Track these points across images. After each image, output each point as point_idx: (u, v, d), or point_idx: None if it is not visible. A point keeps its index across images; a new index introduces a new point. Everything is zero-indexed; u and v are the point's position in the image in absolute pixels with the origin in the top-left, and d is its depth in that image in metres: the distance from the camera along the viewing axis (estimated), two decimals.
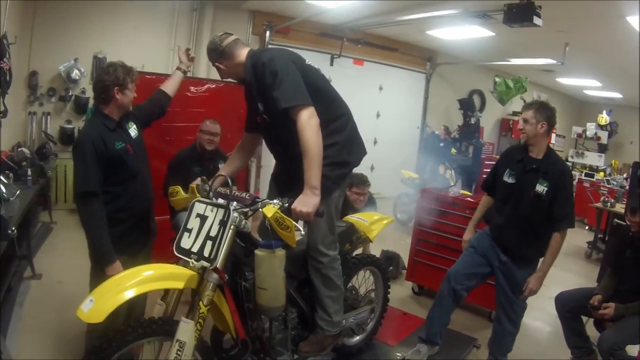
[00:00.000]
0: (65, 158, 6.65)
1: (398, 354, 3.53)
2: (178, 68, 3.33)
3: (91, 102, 6.70)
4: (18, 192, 3.93)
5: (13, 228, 3.15)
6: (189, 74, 3.52)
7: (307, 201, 2.26)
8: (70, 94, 6.75)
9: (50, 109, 6.67)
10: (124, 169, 2.72)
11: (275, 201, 2.27)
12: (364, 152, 2.77)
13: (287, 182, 2.65)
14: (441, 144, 9.48)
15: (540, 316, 3.91)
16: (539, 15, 4.98)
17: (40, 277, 4.57)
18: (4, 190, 3.64)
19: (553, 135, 11.37)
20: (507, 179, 3.30)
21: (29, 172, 4.58)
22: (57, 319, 3.77)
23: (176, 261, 2.30)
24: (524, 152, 3.28)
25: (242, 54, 2.56)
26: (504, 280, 3.37)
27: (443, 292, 3.56)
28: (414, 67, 10.23)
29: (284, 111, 2.32)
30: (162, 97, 3.20)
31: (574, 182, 9.98)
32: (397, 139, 9.91)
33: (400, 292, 5.10)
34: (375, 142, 9.22)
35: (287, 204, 2.26)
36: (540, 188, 3.11)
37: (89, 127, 2.79)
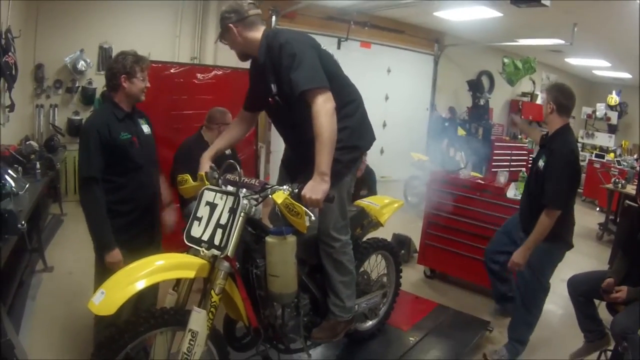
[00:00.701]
0: (73, 150, 6.61)
1: (411, 338, 3.51)
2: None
3: (98, 92, 6.74)
4: (27, 186, 3.91)
5: (23, 222, 3.14)
6: None
7: (317, 188, 2.22)
8: (77, 85, 6.72)
9: (57, 101, 6.66)
10: (127, 160, 2.72)
11: (285, 187, 2.24)
12: (373, 138, 2.76)
13: (298, 166, 2.62)
14: (446, 124, 9.42)
15: (552, 299, 3.87)
16: None
17: (52, 270, 4.60)
18: (13, 184, 3.62)
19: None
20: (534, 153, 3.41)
21: (38, 165, 4.56)
22: (69, 311, 3.79)
23: (186, 250, 2.28)
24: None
25: (260, 31, 2.51)
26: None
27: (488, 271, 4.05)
28: (421, 49, 10.11)
29: (301, 94, 2.29)
30: None
31: (584, 163, 9.90)
32: (406, 121, 9.82)
33: (412, 275, 5.09)
34: (384, 125, 9.17)
35: (297, 190, 2.23)
36: (541, 163, 3.24)
37: (97, 113, 2.87)
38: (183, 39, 7.41)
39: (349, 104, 2.57)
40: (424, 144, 9.93)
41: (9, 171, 3.83)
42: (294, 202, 2.13)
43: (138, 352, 2.11)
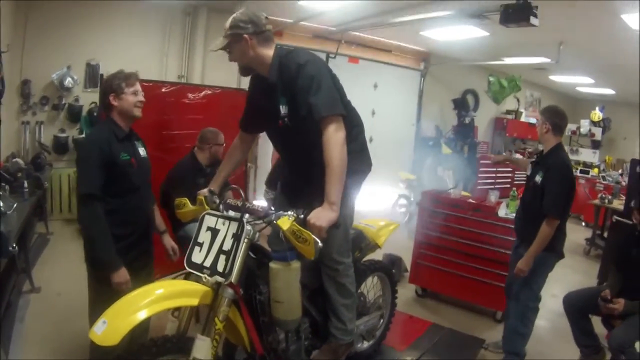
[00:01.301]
0: (60, 167, 6.56)
1: (407, 358, 3.52)
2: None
3: (85, 110, 6.69)
4: (15, 205, 3.83)
5: (14, 245, 3.08)
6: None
7: (324, 215, 2.19)
8: (63, 102, 6.64)
9: (43, 118, 6.57)
10: (125, 181, 2.69)
11: (289, 213, 2.20)
12: (371, 163, 2.75)
13: (300, 190, 2.61)
14: (430, 143, 9.49)
15: (544, 315, 3.93)
16: (535, 15, 4.96)
17: (39, 291, 4.49)
18: (1, 204, 3.55)
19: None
20: (529, 172, 3.70)
21: (26, 184, 4.50)
22: (59, 332, 3.71)
23: (186, 276, 2.25)
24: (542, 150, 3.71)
25: (272, 49, 2.43)
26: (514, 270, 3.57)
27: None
28: (408, 65, 10.18)
29: (320, 119, 2.27)
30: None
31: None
32: (393, 137, 9.80)
33: (404, 294, 5.06)
34: (371, 140, 9.03)
35: (302, 216, 2.20)
36: (538, 178, 3.45)
37: (98, 130, 2.83)
38: (171, 57, 7.40)
39: (354, 128, 2.56)
40: (411, 160, 9.98)
41: None
42: (301, 228, 2.10)
43: None
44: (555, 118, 3.53)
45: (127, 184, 2.70)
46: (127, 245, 2.72)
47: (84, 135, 6.43)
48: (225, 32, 2.36)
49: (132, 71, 2.80)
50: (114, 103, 2.68)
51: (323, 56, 8.30)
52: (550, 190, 3.35)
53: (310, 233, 2.07)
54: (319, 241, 2.04)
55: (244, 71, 2.52)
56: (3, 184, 4.26)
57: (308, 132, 2.33)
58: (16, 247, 3.13)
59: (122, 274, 2.55)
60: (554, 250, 3.47)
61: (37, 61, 6.31)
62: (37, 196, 4.91)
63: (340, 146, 2.26)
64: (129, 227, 2.74)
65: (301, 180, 2.64)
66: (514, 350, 3.67)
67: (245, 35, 2.34)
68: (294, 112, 2.37)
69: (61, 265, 5.04)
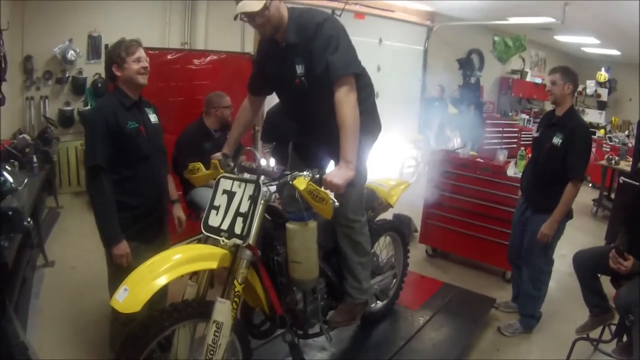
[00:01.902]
0: (67, 141, 6.56)
1: (421, 318, 3.55)
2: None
3: (89, 82, 6.66)
4: (26, 181, 3.83)
5: (29, 219, 3.10)
6: None
7: (341, 174, 2.21)
8: (67, 75, 6.59)
9: (47, 93, 6.53)
10: (134, 150, 2.66)
11: (305, 173, 2.20)
12: (381, 125, 2.75)
13: (313, 150, 2.62)
14: (436, 104, 9.40)
15: (553, 275, 3.96)
16: None
17: (54, 265, 4.53)
18: (11, 180, 3.55)
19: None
20: (535, 133, 3.73)
21: (35, 159, 4.50)
22: (75, 307, 3.74)
23: (204, 239, 2.26)
24: (552, 111, 3.66)
25: (285, 9, 2.36)
26: (526, 234, 3.67)
27: (512, 267, 4.08)
28: (414, 20, 9.94)
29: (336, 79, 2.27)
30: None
31: None
32: (400, 93, 9.57)
33: (414, 255, 5.09)
34: (377, 96, 8.80)
35: (317, 175, 2.21)
36: (556, 140, 3.41)
37: (104, 102, 2.79)
38: (173, 25, 7.30)
39: (364, 89, 2.53)
40: (417, 118, 9.91)
41: (6, 167, 3.76)
42: (318, 188, 2.10)
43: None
44: (575, 79, 3.51)
45: (137, 153, 2.68)
46: (138, 215, 2.72)
47: (89, 107, 6.41)
48: None
49: (134, 38, 2.74)
50: (118, 73, 2.64)
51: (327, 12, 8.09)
52: (576, 152, 3.37)
53: (327, 192, 2.08)
54: (335, 200, 2.05)
55: (271, 33, 2.37)
56: (12, 160, 4.25)
57: (324, 91, 2.31)
58: (31, 222, 3.15)
59: (121, 247, 2.57)
60: (567, 214, 3.50)
61: (38, 36, 6.24)
62: (47, 170, 4.93)
63: (353, 106, 2.28)
64: (140, 197, 2.72)
65: (315, 140, 2.63)
66: (530, 313, 3.77)
67: (269, 3, 2.21)
68: (311, 71, 2.35)
69: (73, 238, 5.08)
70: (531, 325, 3.79)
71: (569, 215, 3.54)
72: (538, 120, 3.88)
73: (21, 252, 3.89)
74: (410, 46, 10.16)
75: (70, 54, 6.43)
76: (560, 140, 3.40)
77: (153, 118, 2.86)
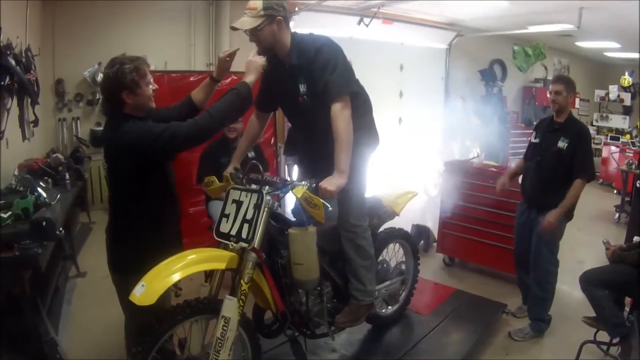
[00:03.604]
0: (98, 159, 6.82)
1: (431, 322, 3.66)
2: (211, 77, 2.86)
3: None
4: (59, 196, 4.08)
5: (61, 229, 3.33)
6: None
7: (334, 181, 2.43)
8: (97, 97, 6.93)
9: (79, 114, 6.89)
10: (161, 177, 2.50)
11: (303, 182, 2.45)
12: (379, 138, 2.96)
13: (315, 164, 2.81)
14: (458, 114, 9.43)
15: (567, 280, 3.99)
16: None
17: (85, 275, 4.80)
18: (45, 195, 3.81)
19: (577, 100, 11.22)
20: (534, 139, 3.88)
21: (67, 176, 4.77)
22: (104, 314, 3.84)
23: (217, 245, 2.46)
24: (549, 118, 3.86)
25: (289, 34, 2.62)
26: (533, 237, 3.76)
27: (517, 270, 4.12)
28: (437, 25, 9.80)
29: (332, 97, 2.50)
30: (187, 105, 2.80)
31: (599, 146, 9.93)
32: (422, 92, 9.45)
33: (432, 264, 5.22)
34: (401, 95, 8.96)
35: (314, 185, 2.43)
36: (562, 144, 3.59)
37: (130, 128, 2.33)
38: (198, 47, 7.59)
39: (362, 105, 2.77)
40: (440, 119, 9.88)
41: (40, 183, 4.03)
42: (312, 195, 2.33)
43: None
44: (574, 85, 3.70)
45: (164, 180, 2.52)
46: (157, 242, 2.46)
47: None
48: (257, 12, 2.47)
49: (138, 56, 2.42)
50: (128, 100, 2.33)
51: (356, 20, 8.10)
52: (585, 153, 3.60)
53: (319, 198, 2.30)
54: (328, 205, 2.26)
55: (264, 52, 2.62)
56: (46, 177, 4.51)
57: (324, 109, 2.54)
58: (62, 231, 3.38)
59: None
60: (568, 214, 3.65)
61: (69, 60, 6.61)
62: (79, 187, 5.21)
63: (347, 121, 2.51)
64: (165, 227, 2.55)
65: (317, 154, 2.82)
66: (539, 317, 3.85)
67: (280, 17, 2.51)
68: (312, 90, 2.59)
69: (104, 252, 5.26)
70: (542, 329, 3.85)
71: (569, 215, 3.67)
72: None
73: (55, 262, 4.16)
74: (433, 45, 10.03)
75: (100, 77, 6.71)
76: (566, 144, 3.57)
77: None
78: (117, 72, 2.28)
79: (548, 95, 3.76)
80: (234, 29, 2.55)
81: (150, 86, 2.41)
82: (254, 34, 2.51)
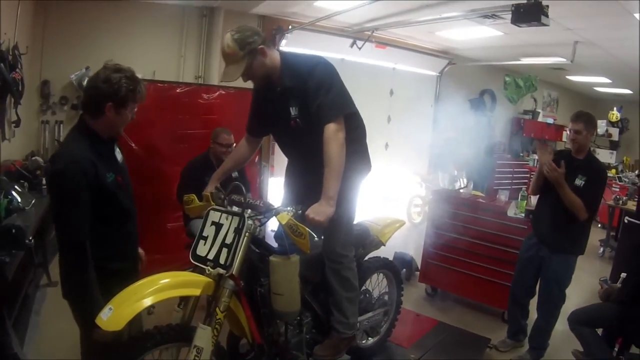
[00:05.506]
0: None
1: (412, 355, 3.56)
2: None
3: None
4: (33, 201, 3.95)
5: (30, 237, 3.19)
6: None
7: (322, 210, 2.31)
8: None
9: (62, 118, 6.68)
10: (113, 207, 2.18)
11: (288, 208, 2.31)
12: (371, 165, 2.86)
13: (304, 189, 2.70)
14: (445, 143, 9.42)
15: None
16: (546, 15, 4.95)
17: (56, 285, 4.57)
18: (19, 199, 3.68)
19: (564, 134, 11.32)
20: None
21: (44, 181, 4.62)
22: (73, 325, 3.75)
23: (192, 268, 2.33)
24: (568, 152, 3.79)
25: (276, 54, 2.53)
26: (542, 275, 3.75)
27: (511, 303, 4.07)
28: (429, 51, 9.89)
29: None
30: None
31: None
32: (411, 117, 9.26)
33: (414, 293, 5.11)
34: (389, 120, 8.91)
35: (300, 212, 2.30)
36: (579, 182, 3.56)
37: (75, 146, 2.10)
38: (188, 58, 7.49)
39: (356, 129, 2.66)
40: (427, 152, 9.88)
41: (15, 186, 3.89)
42: (297, 223, 2.20)
43: None
44: (595, 123, 3.72)
45: (117, 210, 2.20)
46: (117, 278, 2.15)
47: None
48: (237, 56, 2.37)
49: (141, 80, 2.24)
50: (109, 114, 2.10)
51: (349, 42, 8.07)
52: (596, 192, 3.58)
53: (305, 227, 2.17)
54: (314, 235, 2.13)
55: (261, 81, 2.55)
56: (22, 180, 4.36)
57: (317, 132, 2.43)
58: (32, 240, 3.23)
59: (107, 333, 1.95)
60: (579, 252, 3.68)
61: (56, 62, 6.43)
62: None
63: (340, 146, 2.39)
64: (118, 261, 2.25)
65: (307, 178, 2.72)
66: (541, 346, 3.83)
67: (260, 47, 2.41)
68: (305, 113, 2.48)
69: None
70: (540, 356, 3.82)
71: (580, 250, 3.68)
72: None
73: (25, 270, 3.99)
74: (424, 72, 10.11)
75: (86, 82, 6.60)
76: (583, 182, 3.54)
77: (119, 156, 2.34)
78: (119, 80, 2.10)
79: (567, 133, 3.74)
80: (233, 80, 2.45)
81: (131, 115, 2.19)
82: (245, 76, 2.44)
